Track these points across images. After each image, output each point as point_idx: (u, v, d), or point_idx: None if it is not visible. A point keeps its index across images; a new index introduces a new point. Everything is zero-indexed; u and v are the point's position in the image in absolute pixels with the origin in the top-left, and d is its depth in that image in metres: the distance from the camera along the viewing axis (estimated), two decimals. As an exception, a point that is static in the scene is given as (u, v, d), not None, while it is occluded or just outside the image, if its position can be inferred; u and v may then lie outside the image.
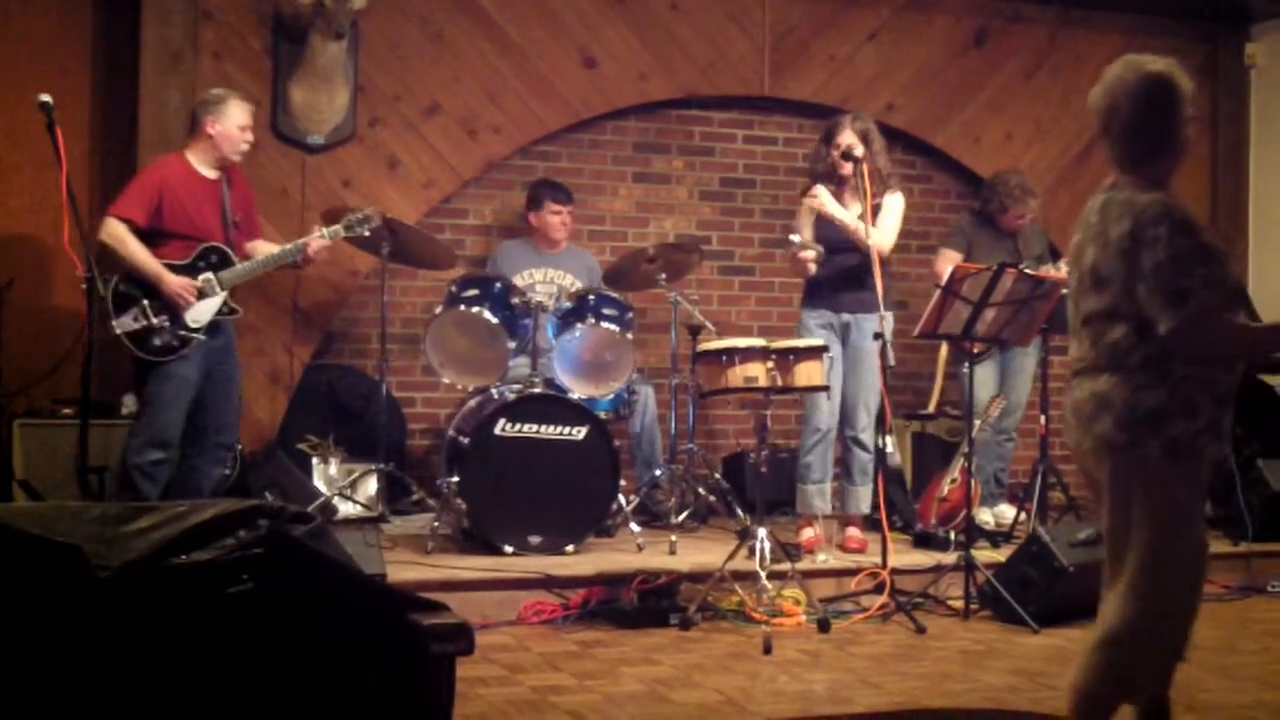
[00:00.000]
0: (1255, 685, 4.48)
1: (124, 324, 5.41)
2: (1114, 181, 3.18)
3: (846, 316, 5.98)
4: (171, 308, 5.43)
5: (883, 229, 5.85)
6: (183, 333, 5.46)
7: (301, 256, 5.71)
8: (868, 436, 6.02)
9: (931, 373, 7.51)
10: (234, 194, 5.68)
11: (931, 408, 7.44)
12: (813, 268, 5.91)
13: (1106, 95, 3.19)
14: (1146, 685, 3.08)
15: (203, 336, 5.51)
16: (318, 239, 5.74)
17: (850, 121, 5.98)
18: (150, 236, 5.46)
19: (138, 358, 5.47)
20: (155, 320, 5.43)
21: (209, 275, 5.51)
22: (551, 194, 6.82)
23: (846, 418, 6.02)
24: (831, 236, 5.91)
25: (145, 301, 5.42)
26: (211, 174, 5.62)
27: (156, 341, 5.45)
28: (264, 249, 5.75)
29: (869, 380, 5.97)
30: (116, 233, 5.42)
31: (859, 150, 5.82)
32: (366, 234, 5.88)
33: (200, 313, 5.49)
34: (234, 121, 5.59)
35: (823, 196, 5.90)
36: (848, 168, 5.86)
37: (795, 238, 5.87)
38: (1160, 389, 3.02)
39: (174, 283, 5.43)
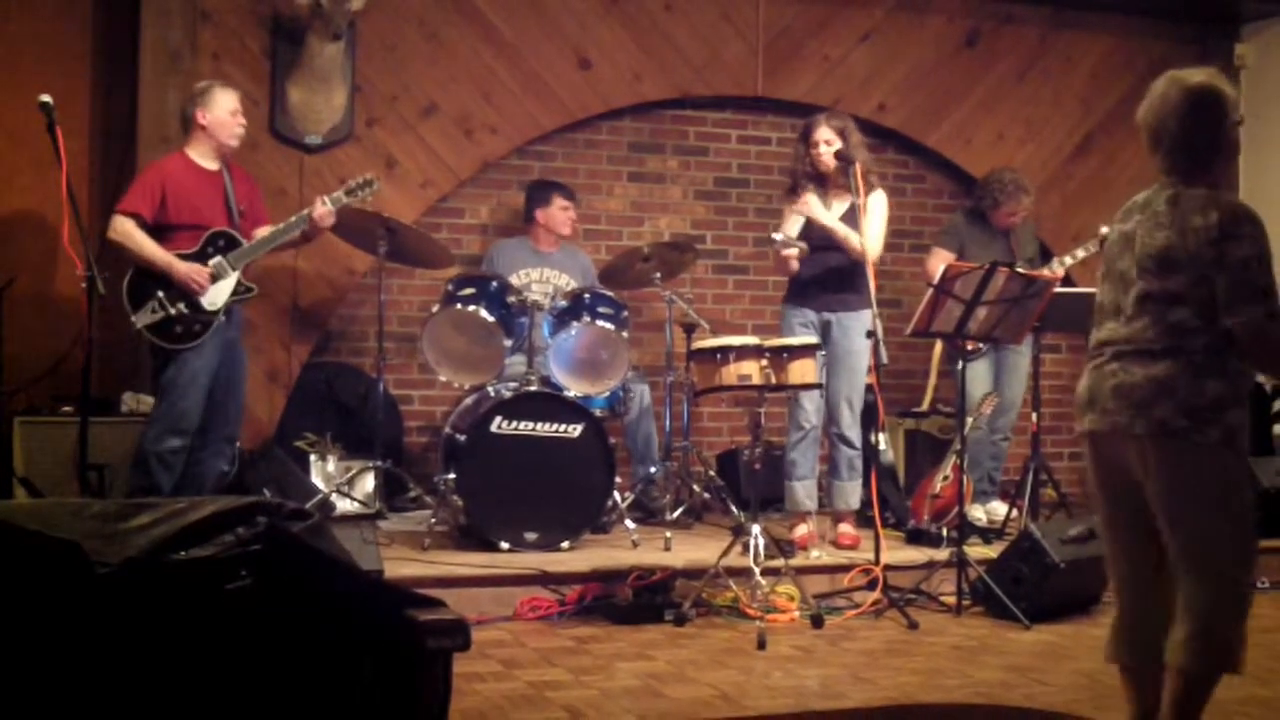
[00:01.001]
0: (1248, 681, 4.45)
1: (143, 317, 5.47)
2: (1176, 191, 3.24)
3: (828, 315, 5.98)
4: (188, 295, 5.49)
5: (871, 234, 5.77)
6: (203, 317, 5.52)
7: (309, 226, 5.76)
8: (853, 433, 6.06)
9: (925, 370, 7.56)
10: (237, 184, 5.73)
11: (925, 405, 7.49)
12: (795, 265, 5.94)
13: (1153, 113, 3.28)
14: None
15: (222, 318, 5.57)
16: (321, 206, 5.78)
17: (826, 119, 5.98)
18: (158, 232, 5.52)
19: (159, 347, 5.52)
20: (173, 310, 5.49)
21: (219, 259, 5.56)
22: (559, 190, 6.87)
23: (830, 415, 6.04)
24: (815, 235, 5.93)
25: (160, 293, 5.48)
26: (212, 165, 5.68)
27: (178, 329, 5.51)
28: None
29: (851, 378, 6.00)
30: (124, 229, 5.48)
31: (839, 145, 5.85)
32: (369, 197, 5.93)
33: (216, 295, 5.55)
34: (223, 108, 5.65)
35: (812, 204, 5.92)
36: (834, 165, 5.88)
37: (778, 235, 5.87)
38: (1222, 379, 3.14)
39: (184, 269, 5.48)
